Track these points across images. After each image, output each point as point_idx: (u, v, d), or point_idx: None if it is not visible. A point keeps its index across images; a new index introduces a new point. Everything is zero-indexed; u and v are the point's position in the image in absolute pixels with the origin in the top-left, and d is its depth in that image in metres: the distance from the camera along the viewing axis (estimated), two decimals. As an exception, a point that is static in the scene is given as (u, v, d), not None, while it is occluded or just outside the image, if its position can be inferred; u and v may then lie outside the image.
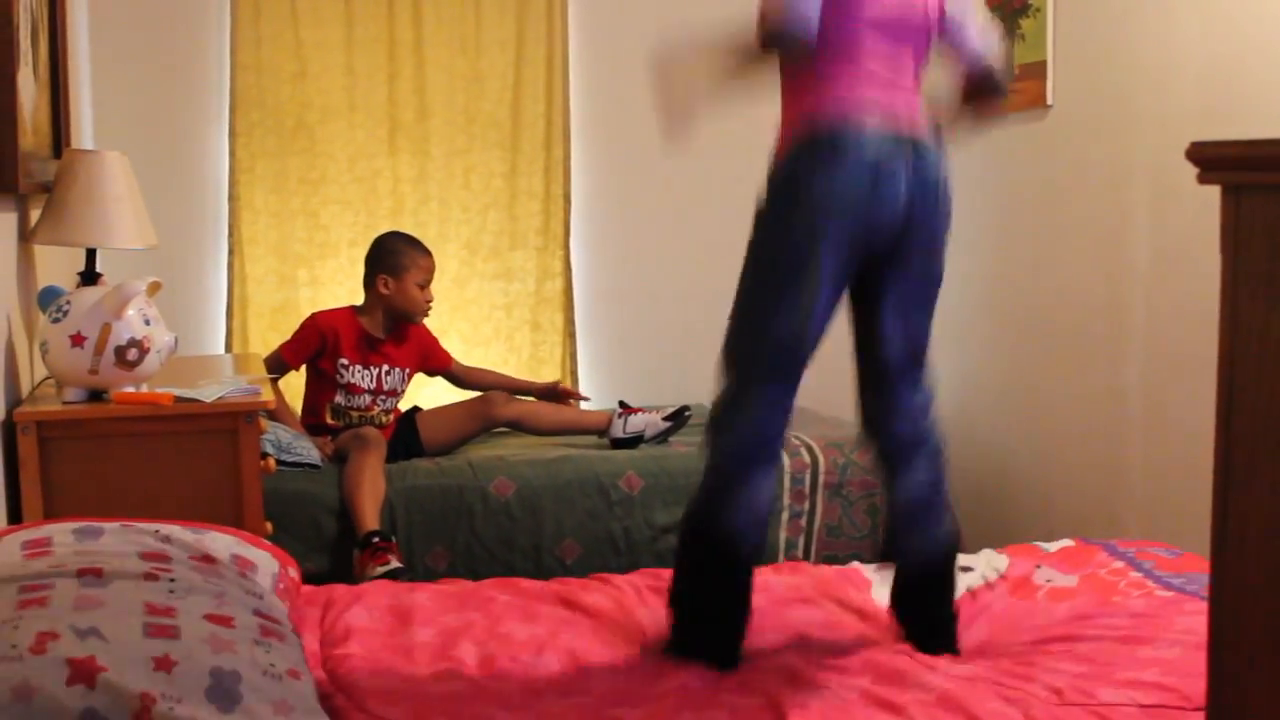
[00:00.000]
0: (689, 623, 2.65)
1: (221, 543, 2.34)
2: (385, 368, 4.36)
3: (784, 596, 2.94)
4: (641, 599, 2.90)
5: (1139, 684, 2.32)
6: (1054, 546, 3.20)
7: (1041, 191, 4.53)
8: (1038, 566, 3.04)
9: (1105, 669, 2.40)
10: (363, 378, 4.31)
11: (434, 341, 4.60)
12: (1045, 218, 4.51)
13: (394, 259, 4.35)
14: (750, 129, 5.22)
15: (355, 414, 4.31)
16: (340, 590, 2.92)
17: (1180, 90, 3.76)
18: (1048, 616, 2.76)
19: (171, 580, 2.07)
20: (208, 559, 2.23)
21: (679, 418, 4.43)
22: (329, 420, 4.32)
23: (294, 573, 2.53)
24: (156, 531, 2.29)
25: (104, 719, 1.72)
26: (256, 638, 1.99)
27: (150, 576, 2.06)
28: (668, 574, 3.05)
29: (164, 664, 1.81)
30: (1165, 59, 3.83)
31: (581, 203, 5.24)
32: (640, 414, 4.42)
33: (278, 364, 4.30)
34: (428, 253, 4.42)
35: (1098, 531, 4.10)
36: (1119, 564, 3.02)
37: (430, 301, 4.40)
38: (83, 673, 1.74)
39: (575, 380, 5.19)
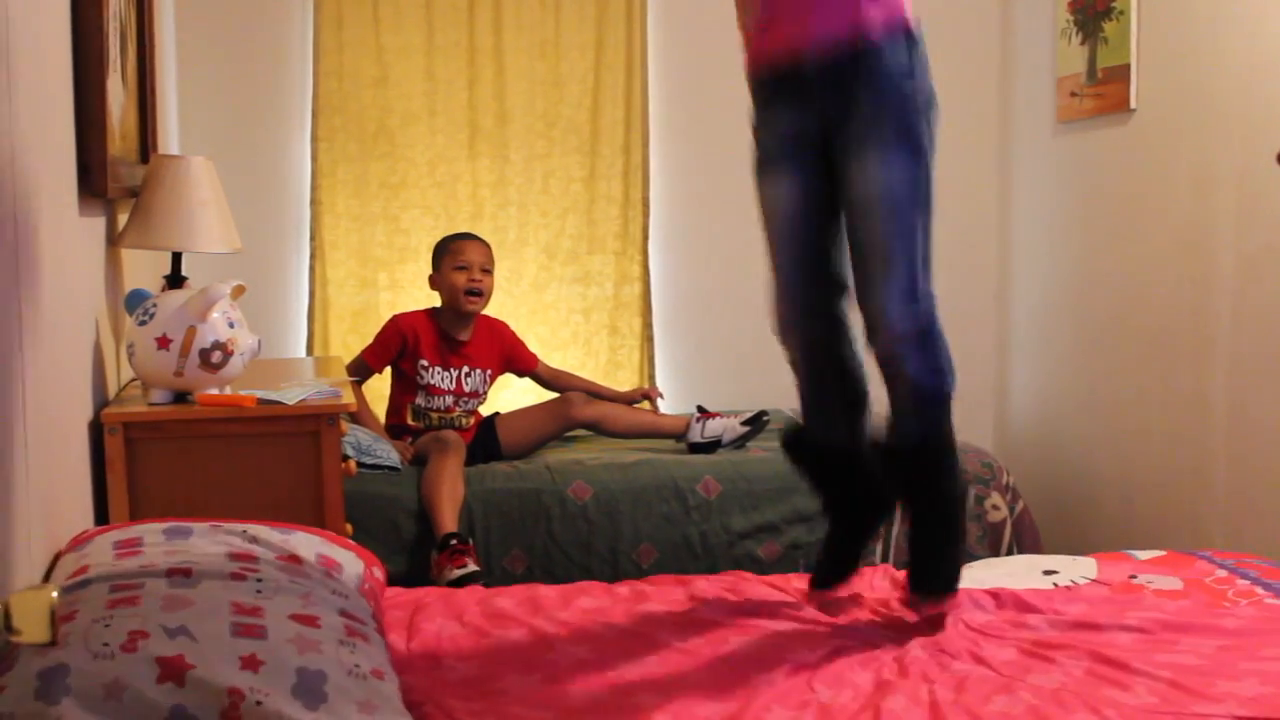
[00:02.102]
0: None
1: (307, 543, 2.36)
2: (465, 369, 4.37)
3: (885, 598, 2.91)
4: (729, 598, 2.88)
5: (1236, 696, 2.27)
6: (1145, 555, 3.14)
7: (1125, 196, 4.47)
8: (1132, 576, 2.97)
9: (1213, 672, 2.35)
10: (442, 379, 4.33)
11: (518, 343, 4.61)
12: (1129, 222, 4.45)
13: (436, 256, 4.40)
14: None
15: (436, 415, 4.33)
16: (428, 593, 2.93)
17: (1266, 93, 3.70)
18: (1154, 614, 2.69)
19: (259, 580, 2.09)
20: (294, 559, 2.25)
21: (757, 423, 4.41)
22: (410, 422, 4.35)
23: (379, 573, 2.54)
24: (244, 532, 2.31)
25: (193, 716, 1.74)
26: (342, 638, 2.00)
27: (238, 576, 2.09)
28: (753, 576, 3.04)
29: (251, 663, 1.82)
30: (1251, 61, 3.77)
31: (660, 207, 5.24)
32: (718, 419, 4.40)
33: (361, 368, 4.33)
34: (470, 239, 4.43)
35: (1180, 540, 4.05)
36: (1222, 572, 2.95)
37: (474, 281, 4.34)
38: (172, 671, 1.77)
39: (652, 385, 5.18)
